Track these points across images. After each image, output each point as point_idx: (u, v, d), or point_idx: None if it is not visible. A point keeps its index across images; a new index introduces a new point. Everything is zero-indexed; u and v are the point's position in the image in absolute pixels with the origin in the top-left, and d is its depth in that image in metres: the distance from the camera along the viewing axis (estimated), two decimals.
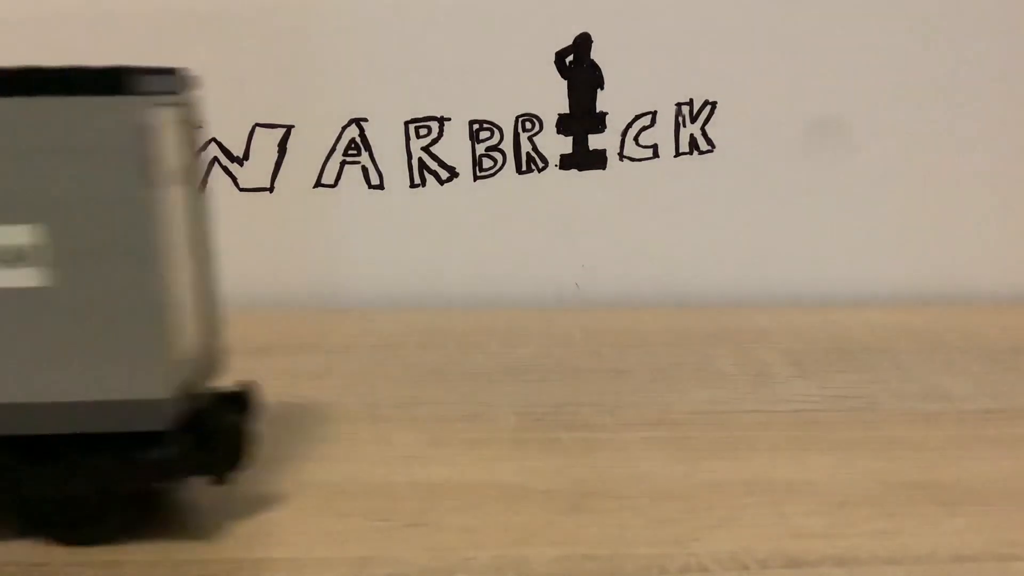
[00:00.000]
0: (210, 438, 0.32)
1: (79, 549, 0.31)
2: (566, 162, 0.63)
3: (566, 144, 0.63)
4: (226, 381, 0.36)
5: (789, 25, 0.66)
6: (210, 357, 0.35)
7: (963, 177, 0.69)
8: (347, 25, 0.62)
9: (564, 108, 0.61)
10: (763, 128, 0.67)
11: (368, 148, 0.63)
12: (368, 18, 0.63)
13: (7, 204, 0.29)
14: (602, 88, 0.61)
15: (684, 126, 0.61)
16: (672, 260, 0.65)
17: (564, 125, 0.62)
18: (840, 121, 0.68)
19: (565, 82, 0.60)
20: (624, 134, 0.62)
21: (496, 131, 0.63)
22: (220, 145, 0.63)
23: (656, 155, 0.62)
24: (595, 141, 0.62)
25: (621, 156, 0.62)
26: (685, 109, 0.61)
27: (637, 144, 0.63)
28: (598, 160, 0.62)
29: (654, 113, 0.62)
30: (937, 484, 0.36)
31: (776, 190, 0.68)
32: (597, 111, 0.61)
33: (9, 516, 0.32)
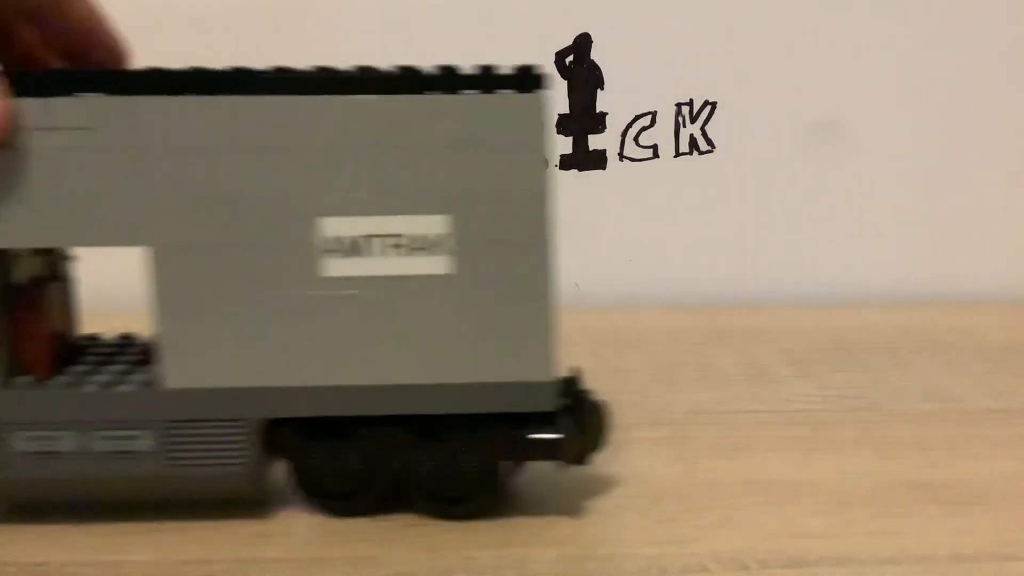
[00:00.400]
0: (584, 420, 0.33)
1: (79, 549, 0.31)
2: (566, 162, 0.63)
3: (566, 144, 0.63)
4: None
5: (789, 25, 0.66)
6: None
7: (963, 177, 0.69)
8: (347, 26, 0.62)
9: (564, 108, 0.61)
10: (763, 128, 0.67)
11: None
12: (366, 18, 0.63)
13: (423, 196, 0.31)
14: (602, 88, 0.61)
15: (684, 126, 0.61)
16: (672, 260, 0.65)
17: (564, 125, 0.62)
18: (840, 121, 0.68)
19: (565, 82, 0.60)
20: (624, 134, 0.62)
21: None
22: None
23: (656, 155, 0.62)
24: (595, 141, 0.62)
25: (621, 156, 0.62)
26: (685, 109, 0.61)
27: (637, 144, 0.63)
28: (598, 160, 0.62)
29: (654, 113, 0.61)
30: (937, 484, 0.36)
31: (776, 190, 0.68)
32: (597, 111, 0.61)
33: (398, 491, 0.33)
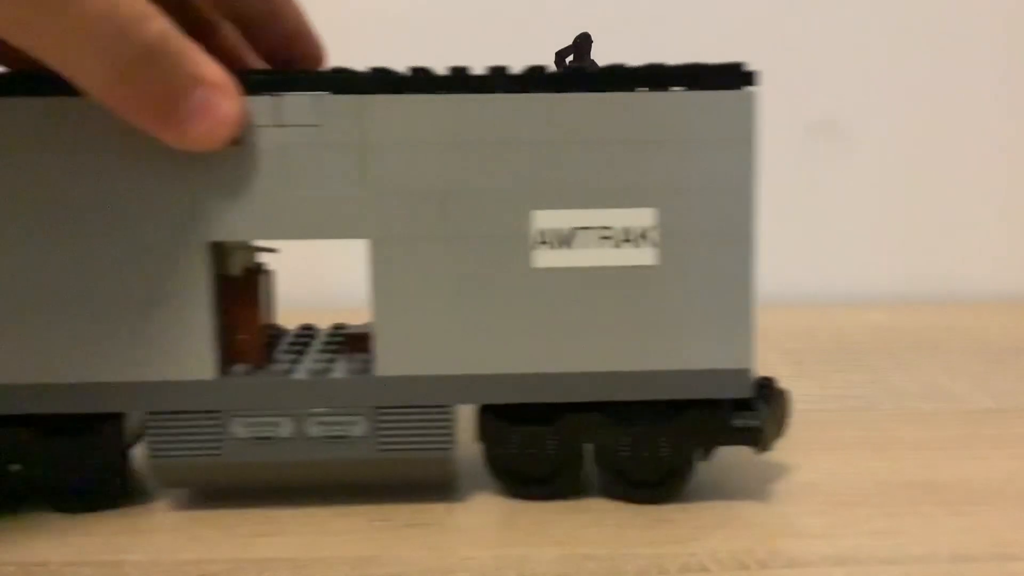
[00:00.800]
0: (775, 407, 0.35)
1: (79, 549, 0.31)
2: None
3: None
4: None
5: (789, 25, 0.66)
6: None
7: (963, 177, 0.69)
8: (346, 26, 0.62)
9: None
10: (762, 128, 0.67)
11: None
12: (364, 19, 0.63)
13: (632, 189, 0.32)
14: None
15: None
16: None
17: None
18: (840, 121, 0.68)
19: None
20: None
21: None
22: None
23: None
24: None
25: None
26: None
27: None
28: None
29: None
30: (937, 484, 0.36)
31: (776, 190, 0.68)
32: None
33: (597, 475, 0.35)
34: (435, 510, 0.34)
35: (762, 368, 0.50)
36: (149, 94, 0.28)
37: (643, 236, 0.32)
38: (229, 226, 0.31)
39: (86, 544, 0.32)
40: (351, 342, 0.35)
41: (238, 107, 0.29)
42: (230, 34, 0.36)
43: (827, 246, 0.69)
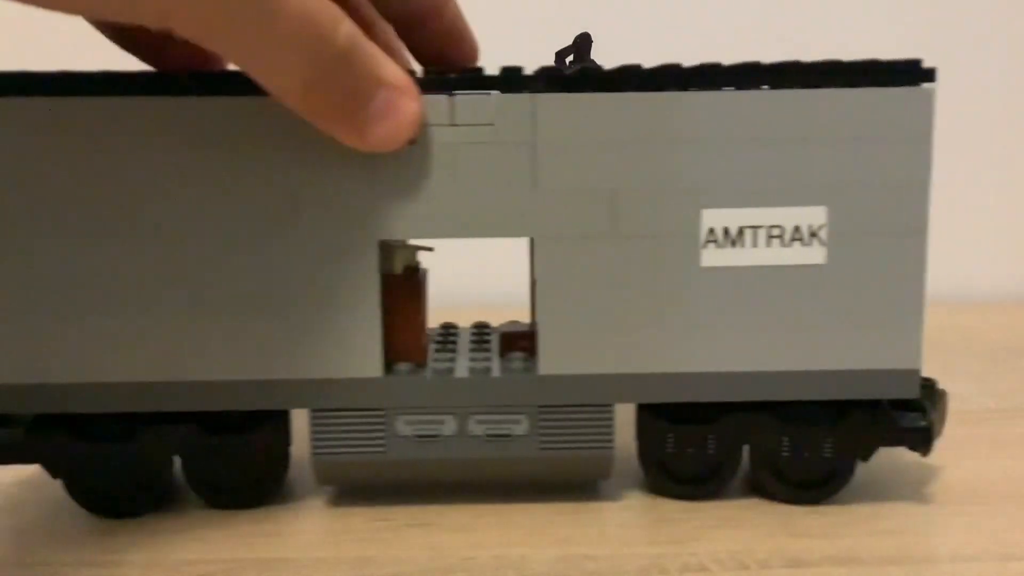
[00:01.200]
0: (937, 408, 0.34)
1: (79, 549, 0.31)
2: None
3: None
4: None
5: (788, 26, 0.66)
6: None
7: (963, 177, 0.69)
8: None
9: None
10: None
11: None
12: None
13: (803, 187, 0.31)
14: None
15: None
16: None
17: None
18: None
19: None
20: None
21: None
22: None
23: None
24: None
25: None
26: None
27: None
28: None
29: None
30: (937, 484, 0.36)
31: None
32: None
33: (763, 476, 0.34)
34: (435, 510, 0.34)
35: None
36: (337, 97, 0.28)
37: (813, 234, 0.32)
38: (400, 224, 0.31)
39: (86, 544, 0.32)
40: (504, 341, 0.35)
41: (418, 108, 0.29)
42: (384, 33, 0.36)
43: None
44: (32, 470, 0.34)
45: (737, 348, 0.32)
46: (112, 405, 0.32)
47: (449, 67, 0.34)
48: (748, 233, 0.32)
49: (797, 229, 0.32)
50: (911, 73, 0.32)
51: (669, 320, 0.32)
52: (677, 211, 0.32)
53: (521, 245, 0.34)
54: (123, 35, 0.33)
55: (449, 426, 0.33)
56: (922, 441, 0.33)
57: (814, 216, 0.32)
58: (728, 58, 0.32)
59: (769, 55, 0.32)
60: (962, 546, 0.31)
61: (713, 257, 0.32)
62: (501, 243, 0.33)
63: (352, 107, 0.28)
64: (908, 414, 0.34)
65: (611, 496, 0.35)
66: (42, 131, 0.31)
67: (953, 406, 0.44)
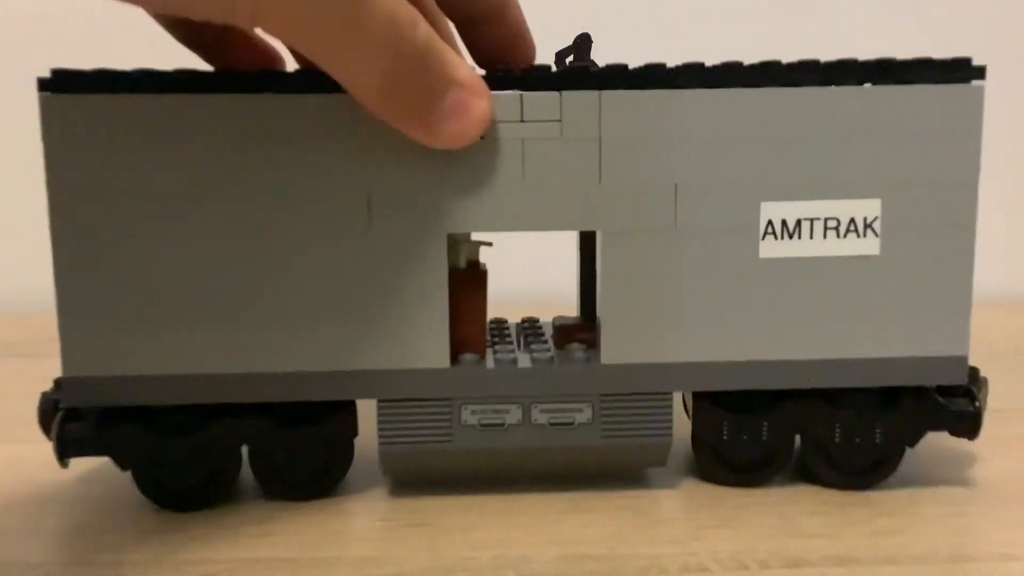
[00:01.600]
0: (982, 393, 0.35)
1: (79, 549, 0.31)
2: None
3: None
4: None
5: (789, 26, 0.66)
6: None
7: None
8: None
9: None
10: None
11: None
12: None
13: (859, 181, 0.33)
14: None
15: None
16: None
17: None
18: None
19: None
20: None
21: None
22: None
23: None
24: None
25: None
26: None
27: None
28: None
29: None
30: (937, 484, 0.36)
31: None
32: None
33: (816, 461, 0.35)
34: (435, 510, 0.34)
35: None
36: (413, 96, 0.29)
37: (868, 226, 0.33)
38: (468, 218, 0.32)
39: (86, 544, 0.32)
40: (561, 333, 0.36)
41: (488, 107, 0.30)
42: (447, 32, 0.37)
43: None
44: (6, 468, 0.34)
45: (793, 337, 0.33)
46: (185, 397, 0.32)
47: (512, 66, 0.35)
48: (805, 225, 0.33)
49: (852, 221, 0.33)
50: (961, 71, 0.33)
51: (728, 310, 0.33)
52: (737, 205, 0.33)
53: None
54: (189, 34, 0.34)
55: (514, 415, 0.33)
56: (972, 426, 0.35)
57: (869, 208, 0.33)
58: (765, 56, 0.33)
59: (795, 54, 0.33)
60: (962, 546, 0.31)
61: (771, 249, 0.33)
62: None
63: (426, 106, 0.29)
64: (957, 400, 0.35)
65: (611, 496, 0.35)
66: (134, 128, 0.31)
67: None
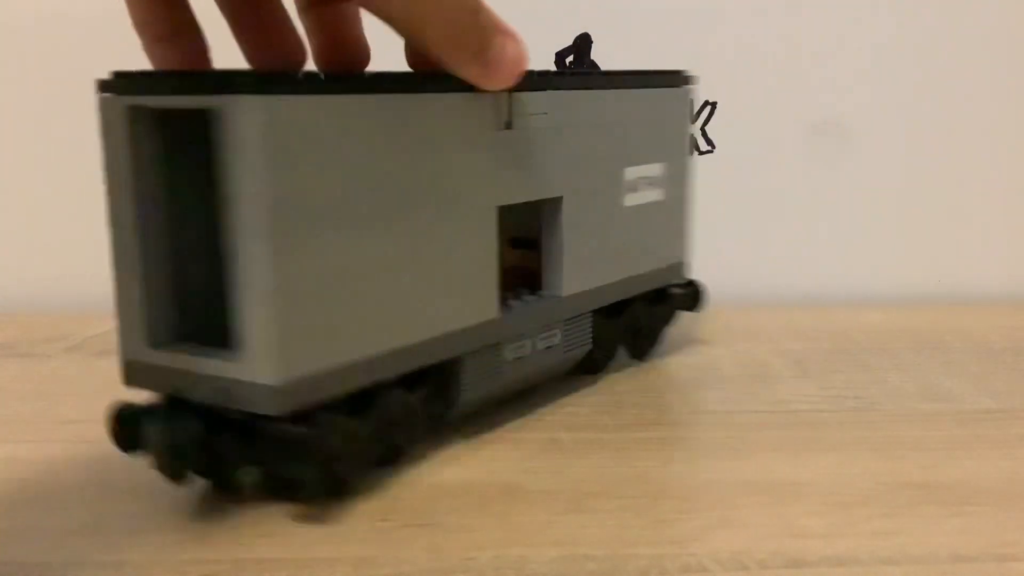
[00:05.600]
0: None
1: (79, 549, 0.31)
2: None
3: None
4: None
5: (790, 25, 0.66)
6: None
7: (963, 177, 0.69)
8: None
9: None
10: (764, 128, 0.67)
11: None
12: (366, 18, 0.63)
13: (651, 151, 0.47)
14: None
15: None
16: None
17: None
18: (840, 121, 0.68)
19: None
20: None
21: None
22: None
23: None
24: None
25: None
26: None
27: None
28: None
29: None
30: (937, 484, 0.36)
31: (776, 190, 0.68)
32: None
33: None
34: (435, 510, 0.34)
35: (761, 368, 0.50)
36: (472, 42, 0.34)
37: (655, 184, 0.48)
38: (512, 191, 0.39)
39: (86, 544, 0.32)
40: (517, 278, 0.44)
41: (526, 52, 0.36)
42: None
43: (828, 246, 0.69)
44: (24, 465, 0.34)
45: (639, 258, 0.48)
46: (377, 375, 0.35)
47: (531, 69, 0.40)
48: (638, 183, 0.47)
49: (653, 179, 0.47)
50: (678, 79, 0.48)
51: (608, 242, 0.45)
52: (613, 170, 0.45)
53: None
54: (240, 22, 0.38)
55: (528, 347, 0.42)
56: (694, 302, 0.52)
57: (657, 170, 0.48)
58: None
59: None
60: (962, 546, 0.31)
61: (630, 200, 0.46)
62: None
63: (483, 50, 0.35)
64: (687, 288, 0.52)
65: (611, 496, 0.35)
66: (323, 127, 0.32)
67: (952, 406, 0.45)
